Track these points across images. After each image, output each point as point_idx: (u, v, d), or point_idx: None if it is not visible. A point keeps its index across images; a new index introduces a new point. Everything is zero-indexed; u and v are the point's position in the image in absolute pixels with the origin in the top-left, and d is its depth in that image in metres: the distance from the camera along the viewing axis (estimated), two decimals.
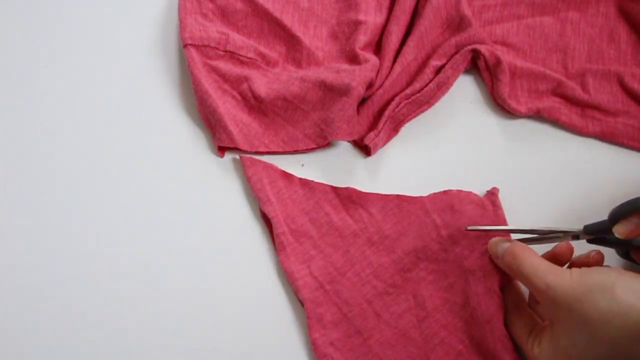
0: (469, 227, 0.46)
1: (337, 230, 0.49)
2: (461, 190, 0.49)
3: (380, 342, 0.46)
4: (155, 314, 0.48)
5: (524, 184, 0.51)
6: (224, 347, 0.47)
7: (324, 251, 0.49)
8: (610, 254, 0.47)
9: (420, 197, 0.49)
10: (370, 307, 0.47)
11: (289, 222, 0.49)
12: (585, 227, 0.45)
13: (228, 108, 0.51)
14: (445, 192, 0.49)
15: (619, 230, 0.43)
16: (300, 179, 0.50)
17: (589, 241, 0.46)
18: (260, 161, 0.51)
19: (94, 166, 0.52)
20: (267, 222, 0.50)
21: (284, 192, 0.50)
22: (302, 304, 0.47)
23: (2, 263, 0.49)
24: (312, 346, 0.46)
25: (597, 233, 0.45)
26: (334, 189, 0.50)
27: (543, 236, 0.46)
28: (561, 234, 0.45)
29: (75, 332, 0.47)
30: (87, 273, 0.49)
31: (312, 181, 0.50)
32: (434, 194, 0.49)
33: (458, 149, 0.52)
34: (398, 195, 0.50)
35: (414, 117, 0.52)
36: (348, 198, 0.50)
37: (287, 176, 0.51)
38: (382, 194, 0.50)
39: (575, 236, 0.45)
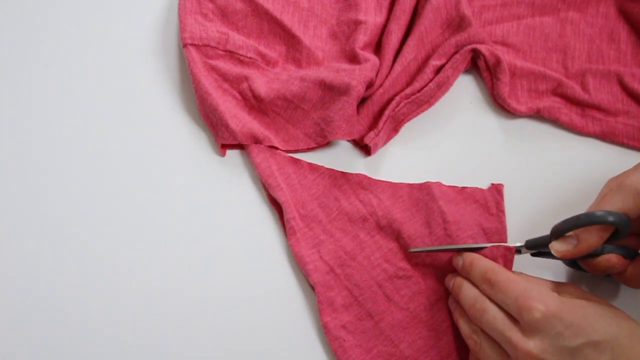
0: (411, 249, 0.47)
1: (347, 215, 0.49)
2: (465, 187, 0.50)
3: (391, 325, 0.47)
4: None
5: (523, 184, 0.51)
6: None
7: (334, 235, 0.49)
8: (557, 263, 0.47)
9: (427, 183, 0.49)
10: (380, 290, 0.47)
11: (298, 207, 0.49)
12: (527, 241, 0.45)
13: (228, 107, 0.51)
14: (451, 187, 0.50)
15: (556, 248, 0.43)
16: (309, 163, 0.51)
17: (533, 254, 0.46)
18: (267, 148, 0.51)
19: (94, 167, 0.52)
20: (276, 207, 0.50)
21: (293, 178, 0.50)
22: (312, 288, 0.48)
23: (4, 264, 0.49)
24: (324, 330, 0.46)
25: (539, 247, 0.44)
26: (344, 174, 0.50)
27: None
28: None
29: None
30: (93, 273, 0.49)
31: (322, 166, 0.51)
32: (440, 184, 0.49)
33: (458, 149, 0.52)
34: (409, 184, 0.50)
35: (414, 116, 0.52)
36: (358, 184, 0.50)
37: (296, 161, 0.51)
38: (392, 182, 0.50)
39: (517, 250, 0.45)
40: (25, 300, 0.48)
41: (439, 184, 0.50)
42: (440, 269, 0.47)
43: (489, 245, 0.45)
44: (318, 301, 0.47)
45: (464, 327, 0.44)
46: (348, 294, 0.47)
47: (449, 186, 0.50)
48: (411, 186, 0.50)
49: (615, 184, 0.43)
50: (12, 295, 0.49)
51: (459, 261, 0.45)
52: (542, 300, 0.39)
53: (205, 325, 0.48)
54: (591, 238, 0.42)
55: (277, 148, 0.51)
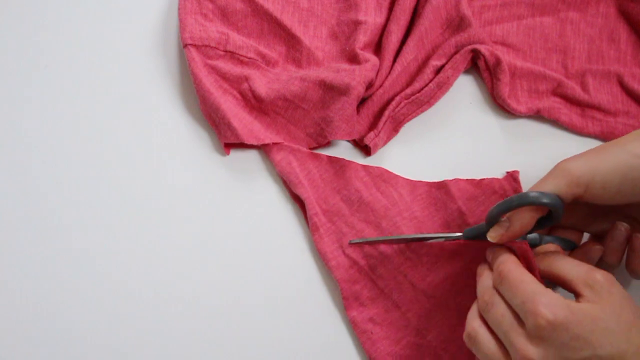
0: (351, 241, 0.48)
1: (368, 206, 0.49)
2: (483, 179, 0.49)
3: (418, 315, 0.47)
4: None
5: (523, 184, 0.51)
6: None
7: (356, 227, 0.49)
8: None
9: (445, 181, 0.49)
10: (406, 279, 0.47)
11: (320, 202, 0.49)
12: (465, 231, 0.44)
13: (230, 106, 0.51)
14: (468, 181, 0.49)
15: (491, 235, 0.41)
16: (329, 157, 0.51)
17: None
18: (286, 145, 0.51)
19: (93, 167, 0.52)
20: (299, 203, 0.50)
21: (315, 173, 0.50)
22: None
23: (4, 264, 0.49)
24: (351, 324, 0.47)
25: (478, 237, 0.43)
26: (365, 167, 0.50)
27: (425, 242, 0.46)
28: (442, 239, 0.45)
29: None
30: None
31: (342, 159, 0.50)
32: (457, 181, 0.49)
33: (458, 149, 0.52)
34: (427, 183, 0.50)
35: (414, 117, 0.52)
36: (379, 177, 0.50)
37: (316, 156, 0.51)
38: (410, 179, 0.50)
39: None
40: (26, 301, 0.48)
41: (456, 181, 0.49)
42: (466, 254, 0.47)
43: (435, 235, 0.45)
44: (343, 297, 0.47)
45: (470, 312, 0.42)
46: (373, 286, 0.48)
47: (467, 180, 0.50)
48: (429, 184, 0.50)
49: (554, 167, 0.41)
50: (12, 295, 0.49)
51: (488, 252, 0.43)
52: (550, 307, 0.37)
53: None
54: (523, 218, 0.40)
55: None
